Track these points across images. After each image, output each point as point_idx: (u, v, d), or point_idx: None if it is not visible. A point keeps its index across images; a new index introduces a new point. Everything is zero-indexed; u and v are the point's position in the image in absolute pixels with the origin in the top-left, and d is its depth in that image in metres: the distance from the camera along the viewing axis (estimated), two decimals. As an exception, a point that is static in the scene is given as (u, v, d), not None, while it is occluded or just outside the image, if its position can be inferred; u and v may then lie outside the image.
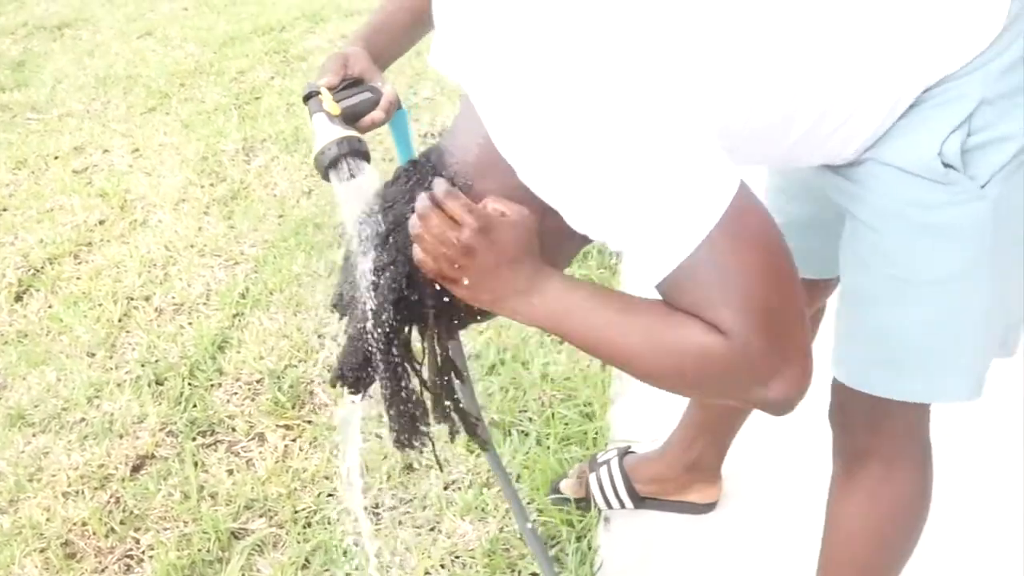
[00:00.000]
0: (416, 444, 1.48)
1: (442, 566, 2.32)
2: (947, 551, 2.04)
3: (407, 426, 1.45)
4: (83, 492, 2.58)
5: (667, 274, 1.17)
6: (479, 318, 1.45)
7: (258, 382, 2.93)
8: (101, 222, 3.85)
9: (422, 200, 1.28)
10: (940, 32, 1.30)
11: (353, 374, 1.44)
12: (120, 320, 3.25)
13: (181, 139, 4.50)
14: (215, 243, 3.64)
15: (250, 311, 3.23)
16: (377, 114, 1.60)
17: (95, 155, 4.42)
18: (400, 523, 2.44)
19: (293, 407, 2.81)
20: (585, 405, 2.72)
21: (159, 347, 3.09)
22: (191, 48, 5.56)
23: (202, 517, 2.46)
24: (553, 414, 2.67)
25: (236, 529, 2.45)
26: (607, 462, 2.44)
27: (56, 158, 4.42)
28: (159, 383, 2.95)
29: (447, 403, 1.48)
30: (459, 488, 2.52)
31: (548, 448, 2.58)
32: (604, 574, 2.29)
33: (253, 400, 2.87)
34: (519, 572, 2.29)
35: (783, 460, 2.51)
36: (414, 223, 1.29)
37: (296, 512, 2.48)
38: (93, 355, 3.10)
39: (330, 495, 2.53)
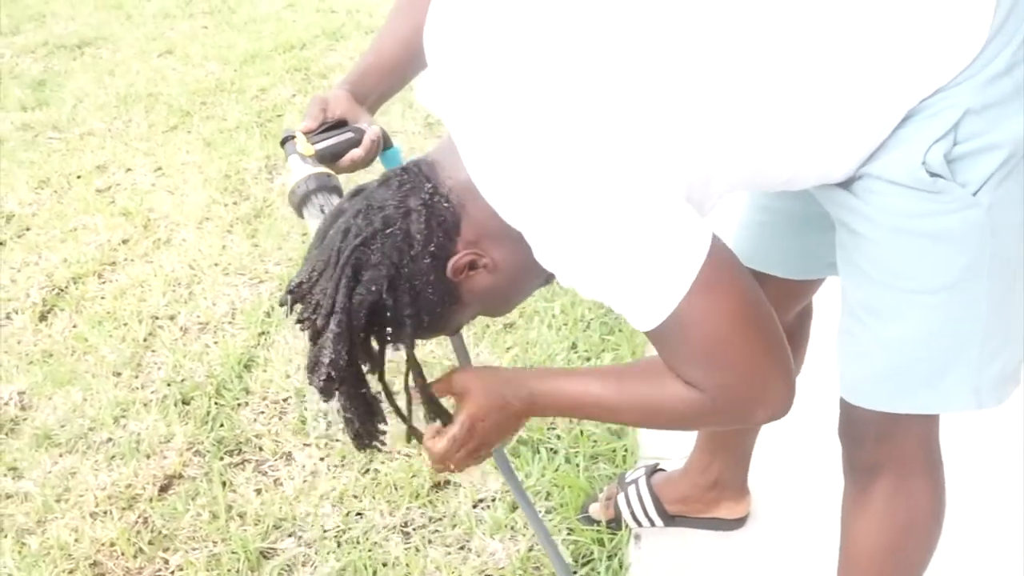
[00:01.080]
0: (375, 443, 1.54)
1: (474, 587, 2.31)
2: (949, 556, 2.01)
3: (365, 422, 1.51)
4: (111, 512, 2.57)
5: (649, 330, 1.28)
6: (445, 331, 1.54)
7: (285, 400, 2.92)
8: (125, 241, 3.85)
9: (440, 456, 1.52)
10: (926, 48, 1.31)
11: (322, 379, 1.44)
12: (145, 339, 3.24)
13: (203, 157, 4.50)
14: (239, 261, 3.63)
15: (275, 330, 3.22)
16: (357, 152, 1.65)
17: (117, 174, 4.42)
18: (430, 542, 2.43)
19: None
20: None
21: (185, 366, 3.09)
22: (212, 66, 5.56)
23: (231, 537, 2.45)
24: (582, 431, 2.66)
25: (265, 549, 2.44)
26: (635, 481, 2.43)
27: (79, 177, 4.42)
28: (185, 402, 2.95)
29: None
30: (488, 507, 2.51)
31: (577, 466, 2.57)
32: (637, 592, 2.28)
33: (280, 419, 2.86)
34: (550, 591, 2.28)
35: (811, 473, 2.49)
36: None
37: (325, 531, 2.47)
38: (119, 374, 3.09)
39: (359, 514, 2.52)
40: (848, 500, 1.76)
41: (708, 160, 1.31)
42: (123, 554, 2.45)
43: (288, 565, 2.39)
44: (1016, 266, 1.43)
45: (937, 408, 1.54)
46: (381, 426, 1.53)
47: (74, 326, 3.36)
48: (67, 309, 3.44)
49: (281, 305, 1.47)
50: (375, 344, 1.45)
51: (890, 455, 1.66)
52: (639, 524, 2.41)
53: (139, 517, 2.56)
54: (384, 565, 2.37)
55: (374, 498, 2.55)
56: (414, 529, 2.47)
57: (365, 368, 1.46)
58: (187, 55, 5.78)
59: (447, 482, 2.58)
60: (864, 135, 1.36)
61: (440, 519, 2.50)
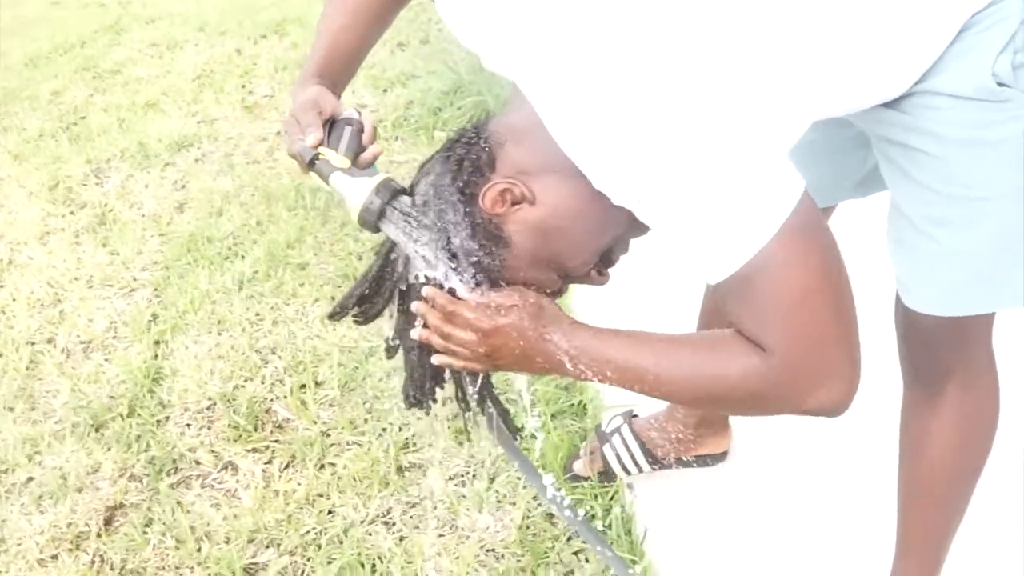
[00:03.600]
0: (424, 403, 1.49)
1: (481, 563, 2.21)
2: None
3: (419, 384, 1.47)
4: (60, 556, 2.35)
5: (727, 276, 1.19)
6: None
7: (208, 408, 2.74)
8: (-36, 267, 3.54)
9: (432, 320, 1.37)
10: None
11: (417, 391, 1.47)
12: (28, 368, 2.98)
13: (18, 170, 4.19)
14: (102, 272, 3.39)
15: (171, 337, 3.01)
16: (376, 148, 1.56)
17: (-74, 199, 4.06)
18: (416, 527, 2.32)
19: (255, 429, 2.64)
20: (561, 378, 2.65)
21: (83, 390, 2.85)
22: (-9, 75, 5.19)
23: (208, 559, 2.28)
24: (535, 391, 2.59)
25: (247, 565, 2.27)
26: (617, 431, 2.38)
27: None
28: (98, 428, 2.72)
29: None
30: (465, 482, 2.42)
31: (544, 425, 2.50)
32: (648, 538, 2.24)
33: (210, 428, 2.68)
34: (559, 553, 2.21)
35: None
36: (434, 340, 1.38)
37: (303, 536, 2.32)
38: (12, 409, 2.83)
39: (331, 512, 2.38)
40: (915, 406, 1.75)
41: (775, 99, 1.27)
42: (91, 598, 2.25)
43: (279, 577, 2.24)
44: None
45: (1021, 301, 1.55)
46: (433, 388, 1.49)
47: (-62, 366, 3.06)
48: (-76, 349, 3.13)
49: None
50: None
51: (962, 357, 1.67)
52: (627, 472, 2.37)
53: (94, 556, 2.34)
54: (380, 559, 2.25)
55: (342, 493, 2.42)
56: (396, 517, 2.35)
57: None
58: (-41, 67, 5.37)
59: (412, 464, 2.48)
60: (921, 52, 1.35)
61: (418, 503, 2.39)
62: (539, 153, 1.29)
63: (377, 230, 1.42)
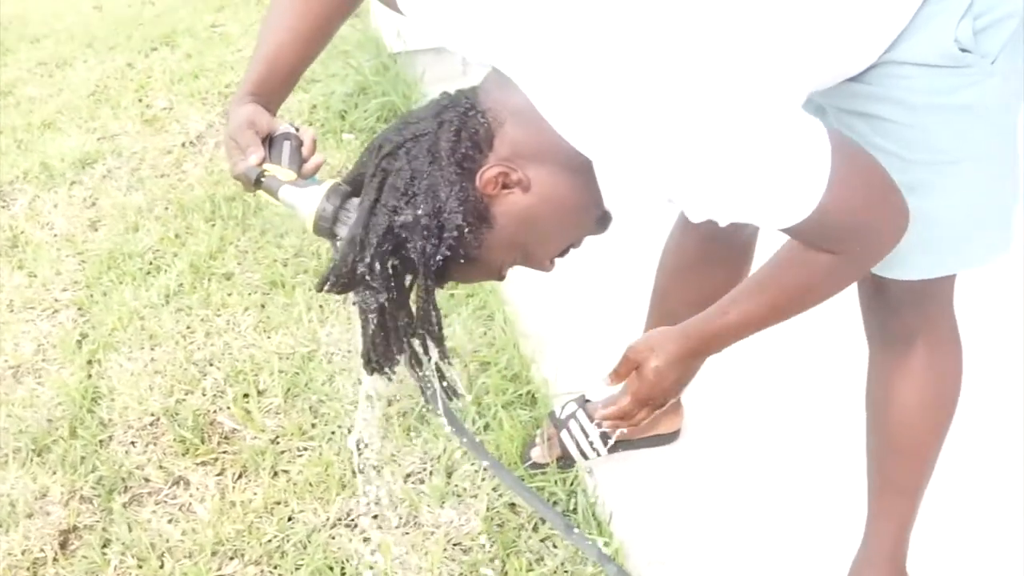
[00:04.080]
0: (386, 368, 1.52)
1: (449, 558, 2.23)
2: (949, 550, 2.14)
3: (382, 348, 1.48)
4: (18, 584, 2.31)
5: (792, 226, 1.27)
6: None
7: (152, 425, 2.70)
8: None
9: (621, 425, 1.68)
10: None
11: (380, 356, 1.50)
12: (-43, 396, 2.91)
13: (-84, 198, 4.06)
14: (21, 296, 3.31)
15: (103, 356, 2.96)
16: (319, 158, 1.58)
17: None
18: (379, 527, 2.32)
19: (202, 442, 2.62)
20: (506, 369, 2.69)
21: (19, 415, 2.78)
22: None
23: (173, 575, 2.25)
24: (482, 383, 2.61)
25: (214, 579, 2.26)
26: (572, 416, 2.42)
27: None
28: (40, 452, 2.66)
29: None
30: (422, 479, 2.43)
31: (496, 417, 2.52)
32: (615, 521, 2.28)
33: (156, 444, 2.64)
34: (527, 540, 2.24)
35: (730, 377, 2.54)
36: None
37: (266, 544, 2.31)
38: (-55, 440, 2.76)
39: (291, 519, 2.37)
40: (882, 369, 1.82)
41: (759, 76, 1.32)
42: (58, 624, 2.21)
43: (248, 587, 2.23)
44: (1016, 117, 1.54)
45: (981, 261, 1.62)
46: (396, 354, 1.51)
47: None
48: None
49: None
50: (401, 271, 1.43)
51: (926, 319, 1.74)
52: (586, 458, 2.40)
53: (54, 581, 2.31)
54: (348, 561, 2.25)
55: (300, 499, 2.41)
56: (357, 518, 2.36)
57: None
58: None
59: (367, 465, 2.48)
60: (889, 23, 1.41)
61: (376, 503, 2.39)
62: (540, 142, 1.32)
63: (333, 236, 1.43)
